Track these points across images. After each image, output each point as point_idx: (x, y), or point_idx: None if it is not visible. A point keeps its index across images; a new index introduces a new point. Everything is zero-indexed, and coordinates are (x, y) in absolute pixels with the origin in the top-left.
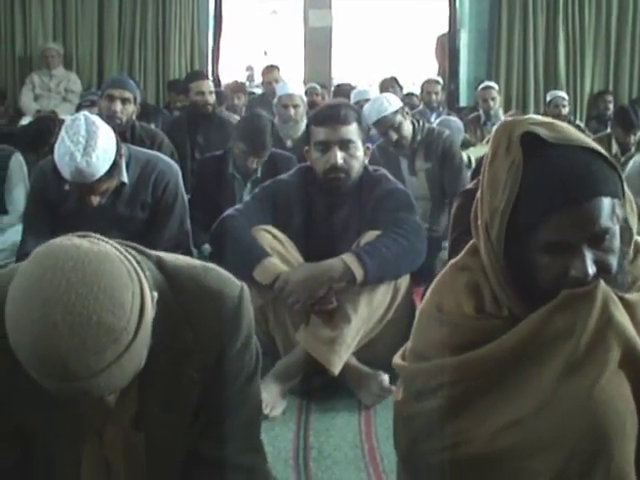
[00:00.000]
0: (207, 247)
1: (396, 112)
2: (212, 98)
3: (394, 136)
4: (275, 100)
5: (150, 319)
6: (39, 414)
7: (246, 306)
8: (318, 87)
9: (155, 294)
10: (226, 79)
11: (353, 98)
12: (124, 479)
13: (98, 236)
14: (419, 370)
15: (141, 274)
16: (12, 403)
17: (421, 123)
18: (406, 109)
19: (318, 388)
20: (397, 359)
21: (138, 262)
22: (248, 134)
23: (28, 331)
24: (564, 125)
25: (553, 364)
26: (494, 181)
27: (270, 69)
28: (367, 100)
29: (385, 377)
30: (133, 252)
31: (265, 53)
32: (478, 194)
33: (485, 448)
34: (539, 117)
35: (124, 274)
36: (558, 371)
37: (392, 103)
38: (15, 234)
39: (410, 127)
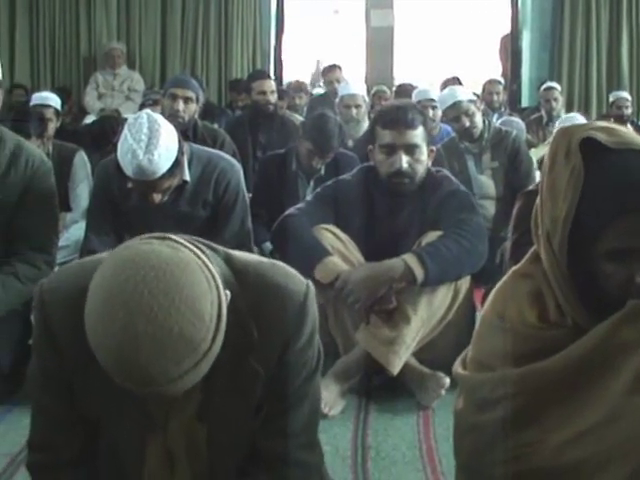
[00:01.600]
0: (268, 245)
1: (471, 101)
2: (274, 97)
3: (466, 123)
4: (337, 100)
5: (225, 324)
6: (106, 404)
7: (311, 303)
8: (387, 90)
9: (228, 293)
10: (288, 78)
11: (414, 98)
12: (187, 470)
13: (176, 238)
14: (481, 380)
15: (217, 279)
16: (82, 392)
17: (487, 122)
18: (478, 103)
19: (377, 388)
20: (457, 367)
21: (210, 260)
22: (316, 134)
23: (110, 339)
24: (623, 129)
25: (621, 377)
26: (554, 189)
27: (332, 69)
28: (429, 100)
29: (444, 378)
30: (203, 248)
31: (318, 62)
32: (538, 201)
33: (551, 461)
34: (597, 122)
35: (203, 283)
36: (627, 384)
37: (467, 93)
38: (78, 231)
39: (481, 120)
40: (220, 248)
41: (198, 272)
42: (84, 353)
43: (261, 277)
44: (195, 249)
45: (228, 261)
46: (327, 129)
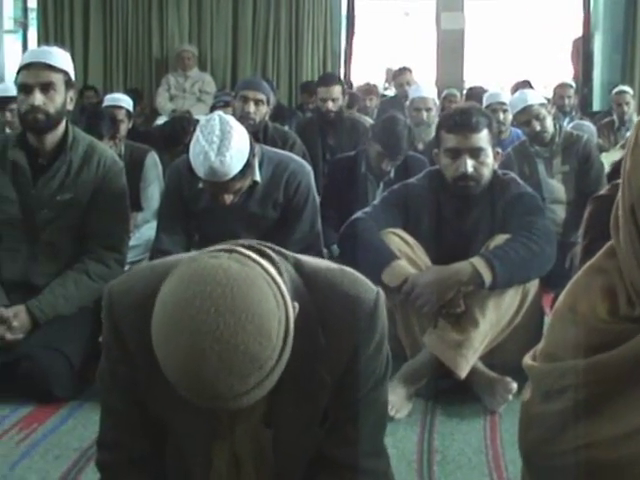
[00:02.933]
0: (337, 247)
1: (542, 105)
2: (336, 105)
3: (537, 127)
4: (407, 103)
5: (292, 341)
6: (175, 408)
7: (381, 311)
8: (457, 93)
9: (296, 305)
10: (358, 80)
11: (485, 101)
12: (252, 475)
13: (244, 250)
14: (549, 370)
15: (285, 294)
16: (150, 394)
17: (558, 126)
18: (549, 107)
19: (444, 391)
20: (527, 359)
21: (279, 271)
22: (385, 137)
23: (176, 355)
24: None
25: None
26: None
27: (402, 71)
28: (499, 103)
29: (512, 383)
30: (272, 254)
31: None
32: (620, 184)
33: (616, 452)
34: None
35: (271, 300)
36: None
37: (538, 96)
38: (149, 230)
39: (552, 124)
40: (290, 254)
41: (266, 288)
42: (152, 356)
43: (331, 284)
44: (264, 262)
45: (298, 267)
46: (396, 131)
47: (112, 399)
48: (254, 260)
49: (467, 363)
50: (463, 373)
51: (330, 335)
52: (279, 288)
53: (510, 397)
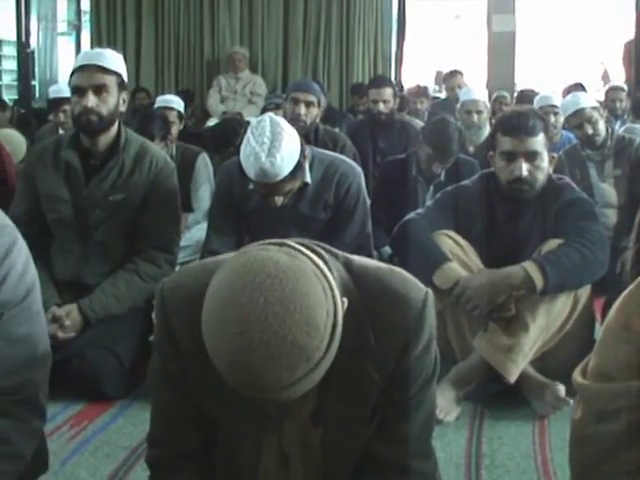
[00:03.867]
0: (387, 249)
1: (594, 108)
2: (387, 107)
3: (589, 130)
4: (458, 105)
5: (340, 333)
6: (225, 404)
7: (430, 311)
8: (508, 96)
9: (345, 300)
10: (409, 83)
11: (536, 104)
12: (300, 472)
13: (294, 244)
14: (601, 390)
15: (334, 287)
16: (200, 391)
17: (610, 130)
18: (601, 110)
19: (493, 395)
20: (577, 376)
21: (328, 267)
22: (436, 139)
23: (225, 345)
24: None
25: None
26: None
27: (453, 74)
28: (551, 106)
29: (561, 388)
30: (322, 252)
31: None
32: None
33: None
34: None
35: (319, 292)
36: None
37: (590, 99)
38: (200, 231)
39: (604, 128)
40: (340, 253)
41: (315, 280)
42: (202, 353)
43: (380, 283)
44: (313, 256)
45: (347, 266)
46: (447, 134)
47: (163, 396)
48: (304, 253)
49: (517, 368)
50: (512, 378)
51: (378, 333)
52: (328, 281)
53: (560, 404)
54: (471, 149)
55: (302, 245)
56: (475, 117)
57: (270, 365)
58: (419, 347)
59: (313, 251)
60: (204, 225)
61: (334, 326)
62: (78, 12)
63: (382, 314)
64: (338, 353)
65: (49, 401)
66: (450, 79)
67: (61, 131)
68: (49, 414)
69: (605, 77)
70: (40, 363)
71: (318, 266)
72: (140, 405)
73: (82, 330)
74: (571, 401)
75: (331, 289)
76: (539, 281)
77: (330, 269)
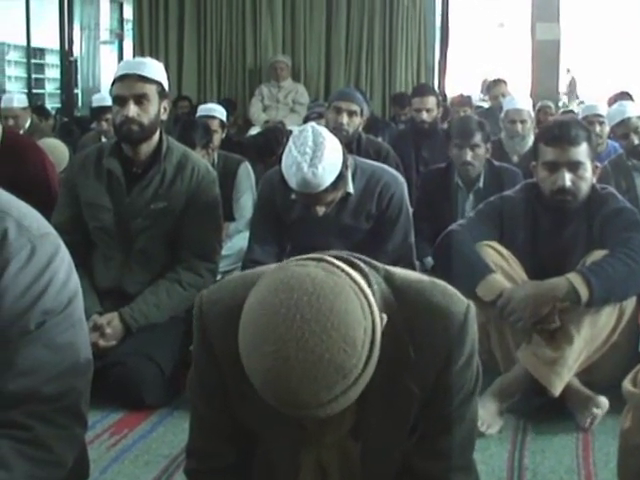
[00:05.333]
0: (430, 260)
1: None
2: (430, 115)
3: (635, 140)
4: (502, 114)
5: (378, 351)
6: (263, 417)
7: (471, 325)
8: (552, 105)
9: (384, 316)
10: (452, 92)
11: (582, 113)
12: None
13: (332, 260)
14: None
15: (373, 304)
16: (238, 403)
17: None
18: None
19: (536, 408)
20: (627, 384)
21: (368, 281)
22: (456, 128)
23: (261, 362)
24: None
25: None
26: None
27: (497, 83)
28: (596, 115)
29: (604, 400)
30: (362, 265)
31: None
32: None
33: None
34: None
35: (357, 309)
36: None
37: (637, 109)
38: (242, 240)
39: None
40: (380, 265)
41: (353, 297)
42: (240, 367)
43: (421, 296)
44: (352, 272)
45: (388, 278)
46: (464, 117)
47: (201, 408)
48: (342, 269)
49: (561, 381)
50: (557, 391)
51: (419, 347)
52: (366, 298)
53: (599, 414)
54: (515, 159)
55: (341, 260)
56: (519, 126)
57: (307, 383)
58: (461, 361)
59: (352, 265)
60: (246, 234)
61: (372, 343)
62: (121, 21)
63: (423, 327)
64: (377, 367)
65: (90, 409)
66: (494, 88)
67: (104, 139)
68: (89, 422)
69: None
70: (82, 371)
71: (357, 282)
72: (180, 414)
73: (123, 338)
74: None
75: (369, 306)
76: (584, 293)
77: (370, 283)
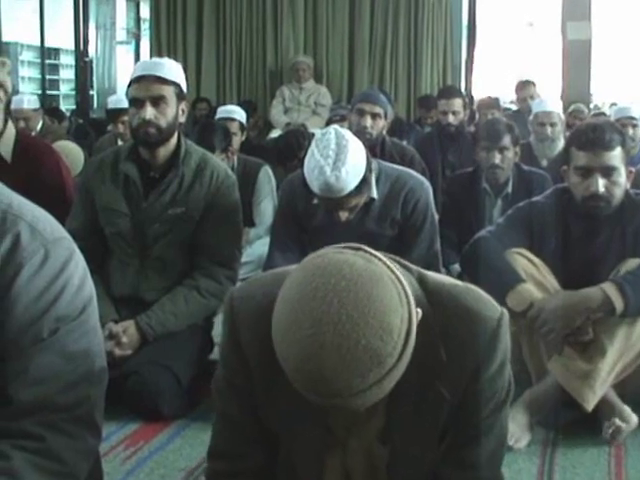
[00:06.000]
0: (457, 267)
1: None
2: (457, 118)
3: None
4: (531, 117)
5: (413, 341)
6: (288, 417)
7: (504, 331)
8: (585, 110)
9: (419, 311)
10: (479, 94)
11: (614, 116)
12: None
13: (370, 250)
14: None
15: (410, 295)
16: (265, 403)
17: None
18: None
19: (567, 422)
20: None
21: (402, 278)
22: (485, 130)
23: (295, 347)
24: None
25: None
26: None
27: (525, 84)
28: (629, 118)
29: (632, 416)
30: (396, 265)
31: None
32: None
33: None
34: None
35: (395, 297)
36: None
37: None
38: (262, 247)
39: None
40: (413, 267)
41: (390, 286)
42: (270, 364)
43: (454, 300)
44: (389, 262)
45: (421, 280)
46: (492, 120)
47: (227, 408)
48: (380, 259)
49: (594, 394)
50: (589, 405)
51: (451, 351)
52: (403, 287)
53: (622, 427)
54: (544, 163)
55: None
56: (548, 130)
57: (341, 369)
58: (492, 368)
59: (388, 260)
60: (266, 240)
61: (408, 333)
62: (137, 20)
63: (455, 332)
64: (408, 368)
65: (104, 420)
66: (522, 89)
67: (120, 142)
68: (104, 433)
69: None
70: (96, 380)
71: (394, 272)
72: (198, 425)
73: (139, 347)
74: None
75: (406, 296)
76: (618, 303)
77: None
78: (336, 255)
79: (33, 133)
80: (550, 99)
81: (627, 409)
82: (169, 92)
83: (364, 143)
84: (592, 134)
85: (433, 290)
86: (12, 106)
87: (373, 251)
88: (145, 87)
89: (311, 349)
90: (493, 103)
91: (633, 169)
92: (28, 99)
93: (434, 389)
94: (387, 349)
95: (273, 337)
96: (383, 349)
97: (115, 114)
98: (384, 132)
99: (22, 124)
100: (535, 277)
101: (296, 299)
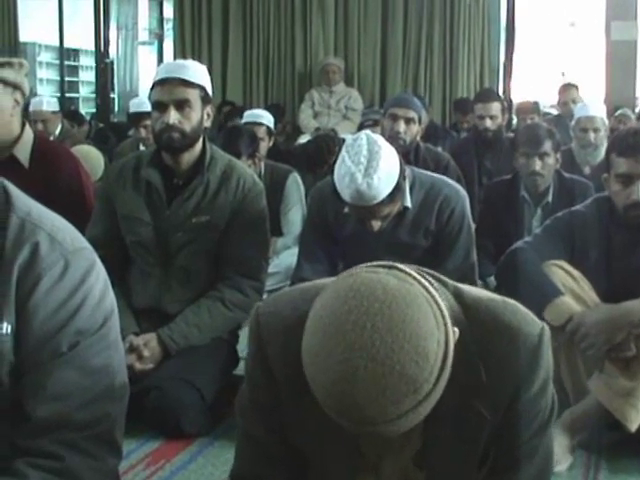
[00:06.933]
0: (493, 280)
1: None
2: (495, 123)
3: None
4: (572, 122)
5: (450, 364)
6: (317, 439)
7: (546, 347)
8: (631, 115)
9: (456, 330)
10: (518, 97)
11: None
12: None
13: (403, 267)
14: None
15: (446, 315)
16: (292, 424)
17: None
18: None
19: (610, 443)
20: None
21: (439, 294)
22: (525, 136)
23: (327, 372)
24: None
25: None
26: None
27: (567, 88)
28: None
29: None
30: (431, 280)
31: (563, 74)
32: None
33: None
34: None
35: (431, 320)
36: None
37: None
38: (290, 257)
39: None
40: (449, 281)
41: (426, 307)
42: (298, 383)
43: (492, 315)
44: (424, 281)
45: (457, 296)
46: (532, 125)
47: (251, 428)
48: (414, 277)
49: (637, 414)
50: (633, 426)
51: (490, 370)
52: (439, 308)
53: None
54: (587, 170)
55: (411, 269)
56: (591, 135)
57: (375, 396)
58: (534, 387)
59: (423, 277)
60: (294, 250)
61: (445, 357)
62: (160, 20)
63: (494, 349)
64: (446, 388)
65: (124, 437)
66: (564, 93)
67: (142, 147)
68: (124, 452)
69: None
70: (117, 396)
71: (429, 292)
72: (222, 444)
73: (161, 361)
74: None
75: (443, 317)
76: None
77: (440, 298)
78: (369, 275)
79: (51, 137)
80: (593, 103)
81: None
82: (194, 95)
83: (397, 149)
84: (632, 139)
85: (470, 305)
86: (30, 108)
87: (407, 269)
88: (169, 90)
89: (343, 375)
90: (533, 107)
91: None
92: (48, 101)
93: (473, 409)
94: (423, 375)
95: (303, 361)
96: (419, 375)
97: (137, 118)
98: (418, 138)
99: (40, 126)
100: (574, 290)
101: (327, 322)
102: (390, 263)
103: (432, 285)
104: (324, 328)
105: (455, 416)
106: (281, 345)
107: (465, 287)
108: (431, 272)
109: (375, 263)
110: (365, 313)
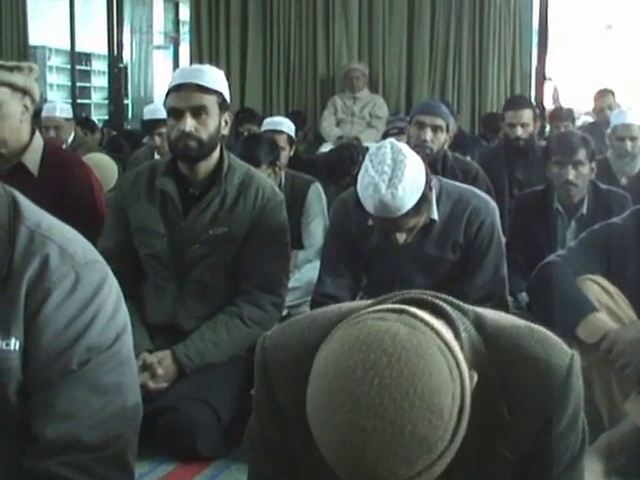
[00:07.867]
0: (524, 296)
1: None
2: (526, 132)
3: None
4: (609, 130)
5: (467, 418)
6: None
7: (576, 379)
8: None
9: (475, 375)
10: (552, 104)
11: None
12: None
13: (415, 311)
14: None
15: (462, 364)
16: (304, 465)
17: None
18: None
19: None
20: None
21: (454, 324)
22: (558, 144)
23: (333, 433)
24: None
25: None
26: None
27: (603, 94)
28: None
29: None
30: (449, 310)
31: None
32: None
33: None
34: None
35: (445, 372)
36: None
37: None
38: (311, 271)
39: None
40: (470, 308)
41: (439, 358)
42: (307, 421)
43: (517, 345)
44: (438, 324)
45: (478, 325)
46: (565, 132)
47: (260, 465)
48: (426, 323)
49: None
50: None
51: (514, 407)
52: (455, 357)
53: None
54: (623, 181)
55: (426, 305)
56: (628, 144)
57: (385, 458)
58: (563, 422)
59: (438, 311)
60: (316, 264)
61: (461, 411)
62: (176, 23)
63: (519, 384)
64: (467, 431)
65: (137, 460)
66: (599, 99)
67: (157, 156)
68: (136, 475)
69: None
70: (129, 416)
71: (443, 338)
72: (239, 466)
73: (176, 380)
74: None
75: (458, 366)
76: None
77: (458, 333)
78: (376, 322)
79: (64, 145)
80: (630, 110)
81: None
82: (211, 102)
83: (423, 158)
84: None
85: (492, 334)
86: (43, 114)
87: (419, 313)
88: (185, 97)
89: (350, 437)
90: (566, 114)
91: None
92: (61, 107)
93: (495, 452)
94: (437, 433)
95: (309, 419)
96: (432, 434)
97: (152, 125)
98: (446, 146)
99: (52, 133)
100: (609, 307)
101: (331, 377)
102: (400, 307)
103: (449, 320)
104: (328, 384)
105: (475, 462)
106: (288, 379)
107: (488, 313)
108: (449, 299)
109: (384, 307)
110: (372, 368)
